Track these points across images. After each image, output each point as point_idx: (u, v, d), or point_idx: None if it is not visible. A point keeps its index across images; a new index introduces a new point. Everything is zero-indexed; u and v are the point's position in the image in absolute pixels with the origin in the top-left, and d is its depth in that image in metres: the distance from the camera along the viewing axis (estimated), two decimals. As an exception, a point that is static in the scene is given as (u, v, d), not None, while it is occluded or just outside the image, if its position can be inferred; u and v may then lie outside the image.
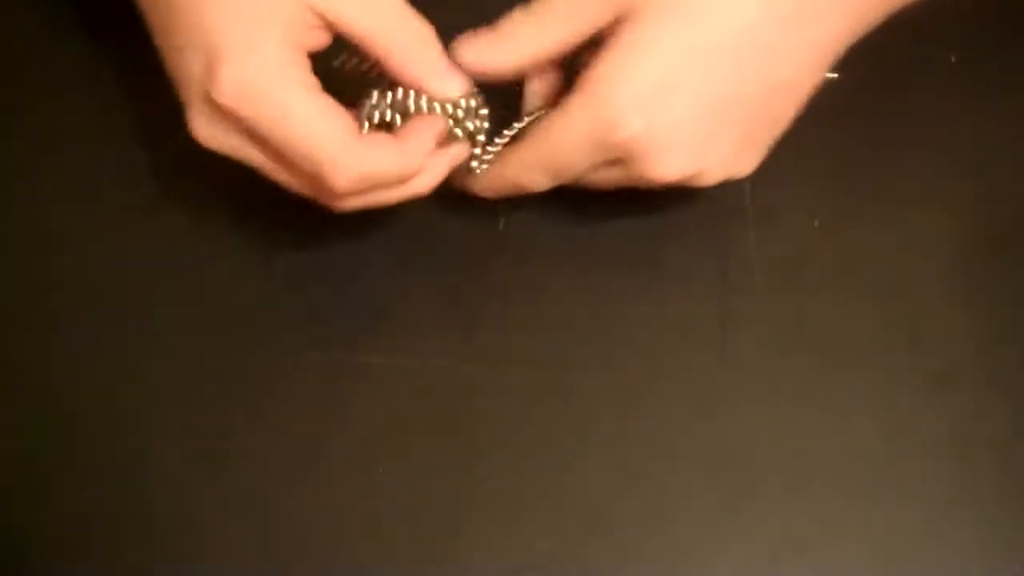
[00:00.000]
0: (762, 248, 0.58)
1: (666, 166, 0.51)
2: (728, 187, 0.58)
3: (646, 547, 0.53)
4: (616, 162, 0.51)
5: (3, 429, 0.55)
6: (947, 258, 0.58)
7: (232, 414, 0.55)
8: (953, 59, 0.62)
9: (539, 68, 0.53)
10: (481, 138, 0.53)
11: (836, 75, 0.54)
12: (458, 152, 0.53)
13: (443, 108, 0.52)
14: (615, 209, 0.58)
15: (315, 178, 0.50)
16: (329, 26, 0.50)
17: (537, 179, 0.53)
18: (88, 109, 0.60)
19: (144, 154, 0.59)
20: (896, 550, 0.53)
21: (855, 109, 0.61)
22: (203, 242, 0.58)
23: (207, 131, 0.50)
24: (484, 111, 0.53)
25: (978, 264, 0.58)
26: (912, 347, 0.56)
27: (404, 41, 0.50)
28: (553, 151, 0.51)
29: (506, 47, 0.51)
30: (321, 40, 0.50)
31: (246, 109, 0.48)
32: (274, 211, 0.58)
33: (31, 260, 0.58)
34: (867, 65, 0.61)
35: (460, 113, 0.52)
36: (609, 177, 0.53)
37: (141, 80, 0.55)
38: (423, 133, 0.52)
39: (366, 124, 0.52)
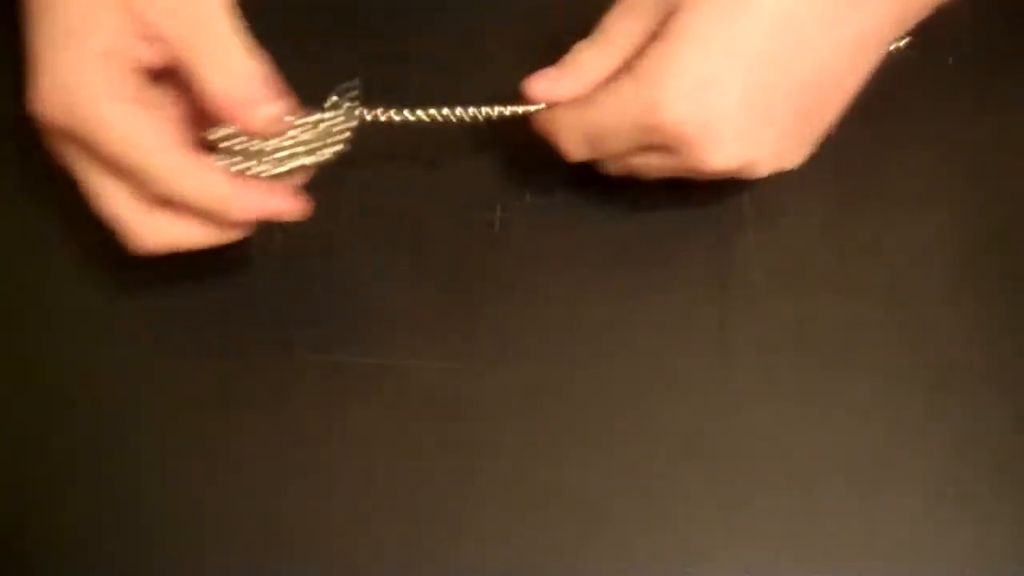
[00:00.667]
0: (762, 248, 0.58)
1: (714, 155, 0.52)
2: (728, 187, 0.58)
3: (646, 547, 0.53)
4: (665, 149, 0.53)
5: (1, 430, 0.55)
6: (947, 258, 0.58)
7: (231, 415, 0.55)
8: (951, 60, 0.62)
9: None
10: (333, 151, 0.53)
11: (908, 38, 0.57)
12: (282, 206, 0.52)
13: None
14: (614, 209, 0.58)
15: (134, 188, 0.49)
16: (152, 39, 0.49)
17: (575, 144, 0.54)
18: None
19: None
20: (895, 550, 0.53)
21: (854, 110, 0.61)
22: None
23: (48, 141, 0.51)
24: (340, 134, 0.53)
25: (978, 264, 0.58)
26: (912, 347, 0.56)
27: (216, 59, 0.49)
28: (596, 121, 0.53)
29: (574, 77, 0.54)
30: (151, 57, 0.49)
31: (60, 117, 0.49)
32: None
33: (29, 261, 0.58)
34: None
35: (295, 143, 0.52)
36: (657, 164, 0.54)
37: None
38: (259, 194, 0.51)
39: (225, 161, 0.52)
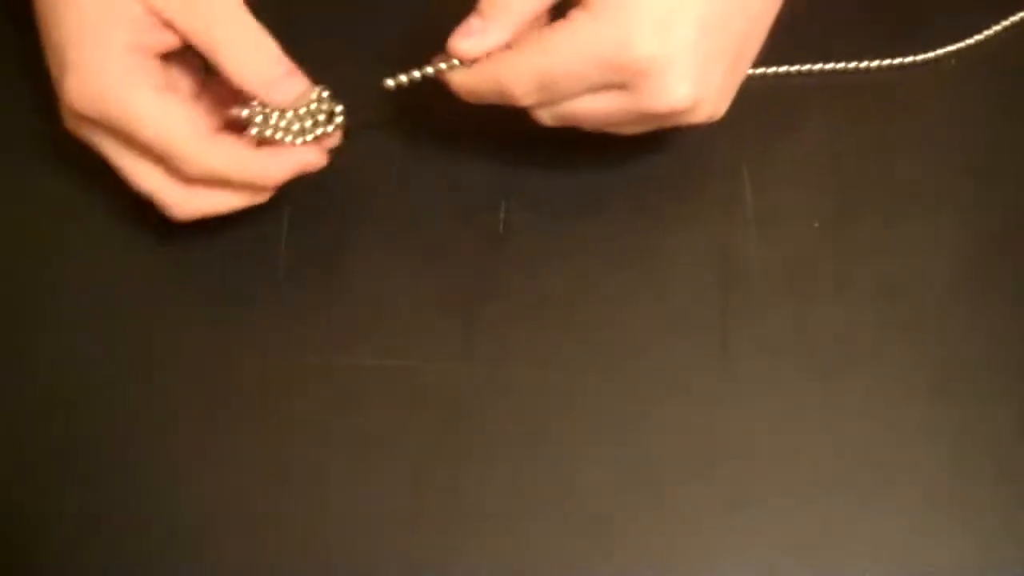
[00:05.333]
0: (762, 249, 0.58)
1: (668, 92, 0.50)
2: (728, 187, 0.58)
3: (646, 547, 0.53)
4: (617, 86, 0.51)
5: (2, 430, 0.55)
6: (947, 259, 0.58)
7: (232, 416, 0.55)
8: (953, 62, 0.62)
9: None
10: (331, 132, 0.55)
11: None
12: (306, 160, 0.54)
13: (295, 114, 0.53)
14: (615, 209, 0.58)
15: (168, 168, 0.52)
16: (168, 27, 0.51)
17: (527, 89, 0.51)
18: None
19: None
20: (896, 550, 0.53)
21: (855, 110, 0.61)
22: (202, 243, 0.58)
23: (71, 123, 0.53)
24: (337, 109, 0.54)
25: (978, 265, 0.58)
26: (912, 348, 0.56)
27: (237, 48, 0.51)
28: (552, 63, 0.51)
29: (501, 24, 0.51)
30: (169, 42, 0.52)
31: (93, 112, 0.51)
32: (273, 213, 0.58)
33: (31, 262, 0.58)
34: (867, 67, 0.62)
35: (309, 118, 0.54)
36: (601, 106, 0.52)
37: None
38: (284, 158, 0.53)
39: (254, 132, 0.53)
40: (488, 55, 0.52)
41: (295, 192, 0.58)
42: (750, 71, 0.60)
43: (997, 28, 0.62)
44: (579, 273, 0.58)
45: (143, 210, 0.58)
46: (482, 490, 0.54)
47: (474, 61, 0.52)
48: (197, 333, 0.57)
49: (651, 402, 0.55)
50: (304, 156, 0.54)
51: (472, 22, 0.51)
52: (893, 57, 0.61)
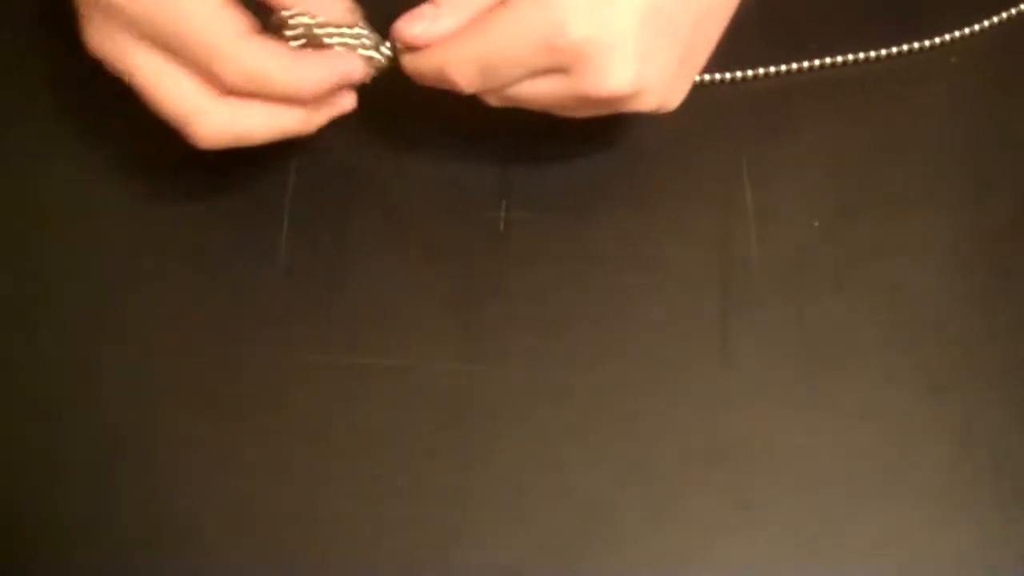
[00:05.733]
0: (762, 248, 0.58)
1: (608, 76, 0.50)
2: (728, 186, 0.58)
3: (646, 547, 0.53)
4: (557, 71, 0.51)
5: (3, 431, 0.55)
6: (947, 258, 0.58)
7: (231, 415, 0.55)
8: (953, 60, 0.62)
9: None
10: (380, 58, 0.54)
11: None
12: (349, 68, 0.53)
13: (349, 36, 0.53)
14: (615, 209, 0.58)
15: (204, 73, 0.50)
16: None
17: (468, 75, 0.52)
18: (84, 108, 0.60)
19: (142, 154, 0.59)
20: (896, 550, 0.53)
21: (855, 110, 0.61)
22: (202, 244, 0.58)
23: (97, 36, 0.51)
24: (386, 45, 0.53)
25: (978, 264, 0.58)
26: (912, 347, 0.56)
27: None
28: (491, 48, 0.51)
29: (454, 11, 0.52)
30: None
31: (136, 9, 0.49)
32: (272, 211, 0.58)
33: (29, 261, 0.58)
34: (867, 66, 0.62)
35: (362, 42, 0.53)
36: (543, 90, 0.52)
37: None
38: (325, 64, 0.52)
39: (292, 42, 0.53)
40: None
41: (295, 190, 0.58)
42: (749, 72, 0.60)
43: (997, 20, 0.62)
44: (579, 272, 0.58)
45: (144, 208, 0.59)
46: (482, 490, 0.54)
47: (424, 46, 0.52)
48: (197, 331, 0.57)
49: (651, 401, 0.55)
50: (347, 64, 0.52)
51: (425, 8, 0.52)
52: (893, 47, 0.61)
